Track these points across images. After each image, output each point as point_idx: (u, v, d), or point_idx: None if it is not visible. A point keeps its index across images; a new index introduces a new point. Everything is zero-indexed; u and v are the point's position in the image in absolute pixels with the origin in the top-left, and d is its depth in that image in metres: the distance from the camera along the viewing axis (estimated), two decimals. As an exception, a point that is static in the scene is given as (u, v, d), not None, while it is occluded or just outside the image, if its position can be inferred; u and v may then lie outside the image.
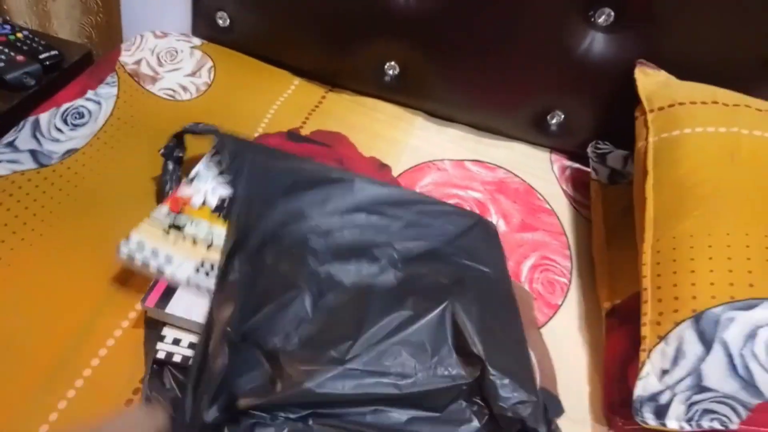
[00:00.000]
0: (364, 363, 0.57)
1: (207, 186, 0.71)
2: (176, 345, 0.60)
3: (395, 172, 0.91)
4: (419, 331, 0.60)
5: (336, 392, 0.55)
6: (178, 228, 0.66)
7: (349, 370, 0.56)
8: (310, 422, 0.54)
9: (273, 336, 0.58)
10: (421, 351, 0.59)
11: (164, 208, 0.67)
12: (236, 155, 0.73)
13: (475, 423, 0.57)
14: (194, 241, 0.65)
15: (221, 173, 0.72)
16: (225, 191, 0.71)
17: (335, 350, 0.57)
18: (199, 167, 0.73)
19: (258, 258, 0.65)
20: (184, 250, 0.64)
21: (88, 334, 0.61)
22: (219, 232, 0.67)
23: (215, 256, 0.64)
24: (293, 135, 0.93)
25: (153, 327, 0.62)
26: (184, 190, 0.70)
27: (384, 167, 0.91)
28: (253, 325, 0.58)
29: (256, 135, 0.91)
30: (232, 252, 0.63)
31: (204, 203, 0.69)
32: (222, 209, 0.69)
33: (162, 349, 0.59)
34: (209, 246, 0.65)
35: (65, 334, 0.61)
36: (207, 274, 0.62)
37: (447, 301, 0.62)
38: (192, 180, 0.71)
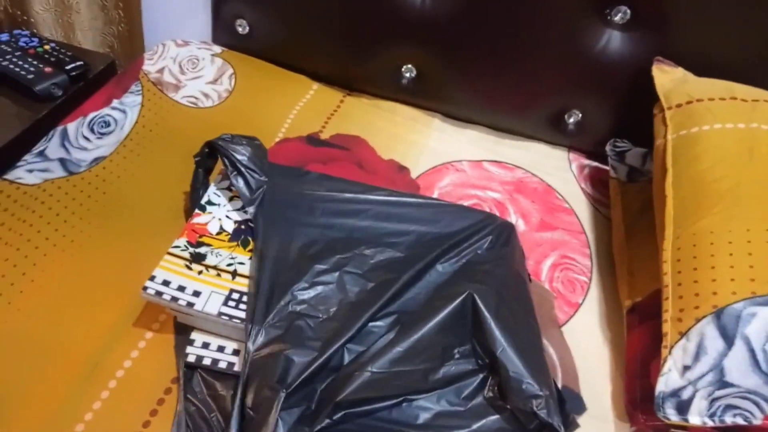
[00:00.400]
0: (389, 363, 0.58)
1: (221, 212, 0.71)
2: (205, 348, 0.62)
3: (414, 174, 0.92)
4: (442, 321, 0.62)
5: (364, 396, 0.57)
6: (200, 259, 0.66)
7: (375, 373, 0.57)
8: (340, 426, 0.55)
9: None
10: (445, 341, 0.61)
11: (182, 240, 0.67)
12: (258, 185, 0.73)
13: (497, 417, 0.59)
14: (218, 273, 0.65)
15: (233, 198, 0.73)
16: (240, 216, 0.71)
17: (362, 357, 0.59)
18: (210, 193, 0.73)
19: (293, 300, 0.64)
20: (211, 283, 0.64)
21: (119, 337, 0.63)
22: (241, 259, 0.67)
23: (242, 286, 0.64)
24: (313, 139, 0.94)
25: (182, 332, 0.64)
26: (199, 218, 0.70)
27: (403, 169, 0.92)
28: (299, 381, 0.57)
29: (277, 140, 0.92)
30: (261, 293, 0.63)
31: (221, 230, 0.69)
32: (240, 235, 0.69)
33: (192, 353, 0.61)
34: (234, 276, 0.65)
35: (98, 337, 0.63)
36: (236, 305, 0.62)
37: (467, 292, 0.63)
38: (204, 207, 0.72)
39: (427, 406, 0.58)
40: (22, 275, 0.67)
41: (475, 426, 0.58)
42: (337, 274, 0.67)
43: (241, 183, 0.72)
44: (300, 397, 0.56)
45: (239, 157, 0.72)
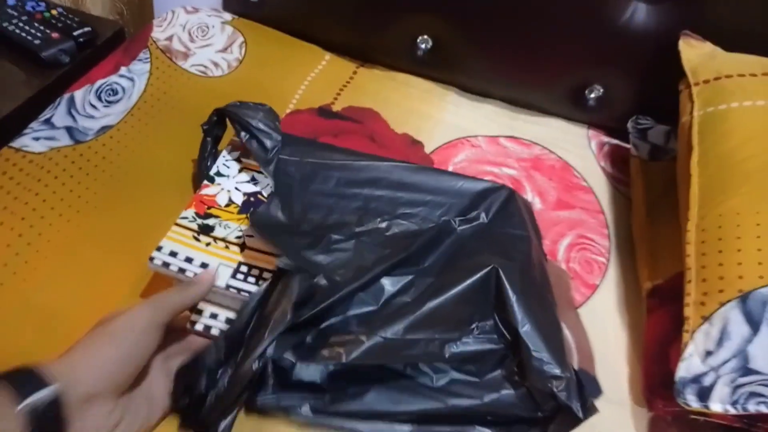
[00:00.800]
0: (403, 329, 0.57)
1: (230, 184, 0.70)
2: (213, 319, 0.60)
3: (428, 149, 0.89)
4: (462, 292, 0.61)
5: (374, 362, 0.56)
6: (208, 231, 0.64)
7: (388, 339, 0.56)
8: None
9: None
10: (464, 314, 0.60)
11: (190, 212, 0.65)
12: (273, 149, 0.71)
13: (511, 392, 0.57)
14: (227, 245, 0.63)
15: (242, 170, 0.71)
16: (249, 188, 0.69)
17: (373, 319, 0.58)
18: (219, 164, 0.71)
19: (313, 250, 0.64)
20: (219, 255, 0.62)
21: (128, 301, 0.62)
22: (251, 232, 0.65)
23: (251, 259, 0.62)
24: (324, 111, 0.92)
25: None
26: (207, 190, 0.68)
27: (416, 144, 0.90)
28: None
29: (287, 111, 0.90)
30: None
31: (230, 202, 0.68)
32: (249, 208, 0.67)
33: (200, 322, 0.60)
34: (243, 248, 0.63)
35: (104, 308, 0.61)
36: (245, 278, 0.61)
37: (492, 266, 0.61)
38: (213, 178, 0.70)
39: (445, 370, 0.58)
40: (27, 245, 0.66)
41: (487, 398, 0.57)
42: (353, 242, 0.66)
43: (254, 144, 0.70)
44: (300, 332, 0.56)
45: (251, 120, 0.70)
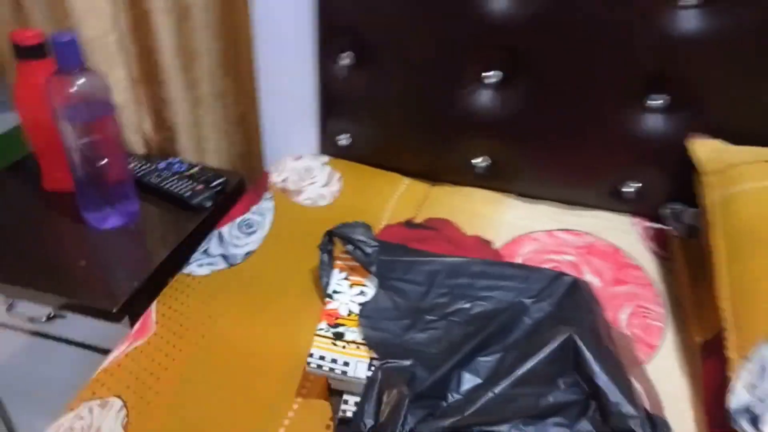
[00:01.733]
0: (509, 386, 0.73)
1: (346, 298, 0.88)
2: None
3: (497, 245, 1.08)
4: (547, 356, 0.76)
5: (486, 418, 0.71)
6: (341, 337, 0.82)
7: (497, 394, 0.72)
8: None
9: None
10: (550, 373, 0.75)
11: (323, 324, 0.83)
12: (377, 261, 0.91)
13: None
14: (357, 346, 0.80)
15: (352, 285, 0.90)
16: (361, 299, 0.88)
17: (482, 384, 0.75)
18: (332, 284, 0.89)
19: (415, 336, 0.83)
20: (354, 354, 0.78)
21: (279, 402, 0.79)
22: None
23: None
24: (409, 224, 1.13)
25: (334, 394, 0.79)
26: (330, 305, 0.87)
27: (486, 242, 1.09)
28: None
29: (380, 227, 1.12)
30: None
31: (350, 312, 0.86)
32: None
33: (348, 410, 0.75)
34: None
35: (261, 399, 0.79)
36: None
37: (569, 333, 0.77)
38: (331, 296, 0.88)
39: (543, 429, 0.71)
40: (200, 348, 0.86)
41: None
42: (444, 321, 0.84)
43: (358, 253, 0.91)
44: (425, 404, 0.71)
45: (352, 235, 0.92)
